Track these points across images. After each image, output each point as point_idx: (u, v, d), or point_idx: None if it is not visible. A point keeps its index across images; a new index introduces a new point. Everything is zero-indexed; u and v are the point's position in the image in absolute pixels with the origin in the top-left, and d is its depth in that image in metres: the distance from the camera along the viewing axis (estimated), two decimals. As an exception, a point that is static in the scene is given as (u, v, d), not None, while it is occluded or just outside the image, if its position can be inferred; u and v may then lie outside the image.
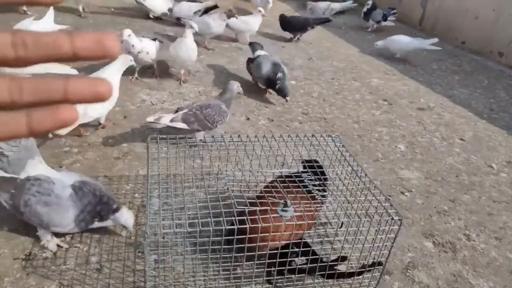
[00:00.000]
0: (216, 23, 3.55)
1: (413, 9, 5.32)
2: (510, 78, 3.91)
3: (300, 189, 1.39)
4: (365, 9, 4.93)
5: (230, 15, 3.57)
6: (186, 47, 2.82)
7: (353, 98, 3.11)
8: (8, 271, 1.38)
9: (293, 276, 1.31)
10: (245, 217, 1.15)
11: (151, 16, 4.32)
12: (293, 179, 1.42)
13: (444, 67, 4.04)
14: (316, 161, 1.53)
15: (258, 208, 1.19)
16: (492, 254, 1.72)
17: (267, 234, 1.16)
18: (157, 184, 1.30)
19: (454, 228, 1.85)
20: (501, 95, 3.50)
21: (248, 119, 2.59)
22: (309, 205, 1.29)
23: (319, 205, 1.36)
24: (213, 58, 3.40)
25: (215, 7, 3.97)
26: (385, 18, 4.81)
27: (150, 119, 2.03)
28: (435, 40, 3.88)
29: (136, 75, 2.88)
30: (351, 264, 1.42)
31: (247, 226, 1.13)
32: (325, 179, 1.49)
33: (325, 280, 1.31)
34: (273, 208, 1.26)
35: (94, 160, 2.01)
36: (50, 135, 2.08)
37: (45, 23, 2.93)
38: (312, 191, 1.41)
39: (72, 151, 2.06)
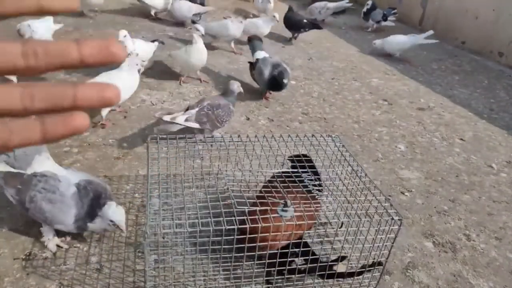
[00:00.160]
0: (234, 26, 3.49)
1: (413, 9, 5.32)
2: (510, 78, 3.91)
3: (300, 189, 1.39)
4: (364, 9, 4.93)
5: (245, 16, 3.57)
6: (198, 52, 2.79)
7: (353, 98, 3.11)
8: (8, 271, 1.38)
9: (292, 276, 1.31)
10: (245, 217, 1.15)
11: (152, 14, 4.33)
12: (289, 175, 1.41)
13: (444, 67, 4.04)
14: (305, 155, 1.52)
15: (258, 208, 1.19)
16: (492, 254, 1.72)
17: (268, 234, 1.16)
18: (157, 184, 1.30)
19: (454, 228, 1.85)
20: (501, 95, 3.50)
21: (248, 119, 2.59)
22: (309, 205, 1.29)
23: (318, 204, 1.36)
24: (213, 58, 3.40)
25: None
26: (385, 18, 4.81)
27: (167, 118, 2.08)
28: (430, 32, 3.88)
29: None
30: (351, 264, 1.42)
31: (247, 226, 1.13)
32: (317, 173, 1.48)
33: (325, 280, 1.31)
34: (273, 208, 1.26)
35: (94, 160, 2.01)
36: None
37: (45, 23, 2.93)
38: (311, 189, 1.41)
39: (72, 151, 2.06)
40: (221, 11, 5.01)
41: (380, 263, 1.29)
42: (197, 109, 2.17)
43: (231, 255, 1.19)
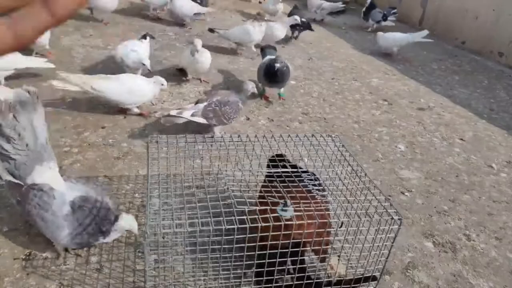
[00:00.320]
0: (256, 31, 3.46)
1: (413, 9, 5.33)
2: (510, 78, 3.91)
3: (307, 188, 1.38)
4: (364, 9, 4.94)
5: (262, 19, 3.51)
6: (202, 58, 2.80)
7: (353, 98, 3.11)
8: (8, 271, 1.38)
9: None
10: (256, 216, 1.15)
11: (151, 11, 4.33)
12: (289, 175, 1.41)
13: (444, 67, 4.04)
14: (280, 155, 1.50)
15: (257, 208, 1.19)
16: (492, 254, 1.72)
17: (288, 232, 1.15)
18: (157, 184, 1.30)
19: (454, 228, 1.85)
20: (501, 95, 3.50)
21: (248, 119, 2.59)
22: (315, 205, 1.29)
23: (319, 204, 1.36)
24: (213, 58, 3.40)
25: None
26: (385, 18, 4.81)
27: (173, 112, 2.12)
28: (425, 32, 3.90)
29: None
30: (351, 264, 1.42)
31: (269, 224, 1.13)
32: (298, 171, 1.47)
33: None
34: (277, 208, 1.26)
35: (94, 160, 2.01)
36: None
37: None
38: (311, 189, 1.41)
39: (72, 151, 2.06)
40: (221, 11, 5.01)
41: (374, 278, 1.29)
42: (205, 103, 2.20)
43: (231, 255, 1.19)
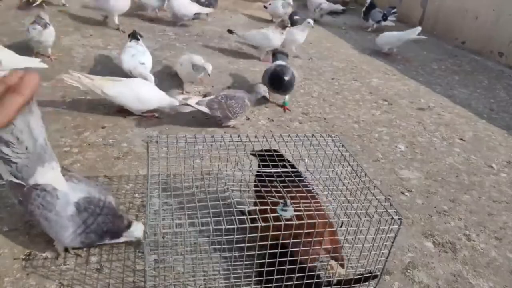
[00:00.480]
0: (275, 36, 3.41)
1: (413, 9, 5.33)
2: (510, 78, 3.91)
3: (305, 188, 1.38)
4: (364, 9, 4.94)
5: (284, 26, 3.40)
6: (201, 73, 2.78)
7: (353, 98, 3.11)
8: (8, 271, 1.38)
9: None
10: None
11: (150, 11, 4.33)
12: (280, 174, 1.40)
13: (444, 67, 4.04)
14: (275, 150, 1.49)
15: (257, 208, 1.18)
16: (492, 254, 1.72)
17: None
18: (157, 184, 1.30)
19: (454, 228, 1.85)
20: (501, 95, 3.50)
21: (248, 119, 2.59)
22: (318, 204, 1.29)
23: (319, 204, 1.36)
24: (214, 58, 3.40)
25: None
26: (385, 18, 4.81)
27: (180, 98, 2.21)
28: (419, 28, 3.94)
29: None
30: (351, 264, 1.42)
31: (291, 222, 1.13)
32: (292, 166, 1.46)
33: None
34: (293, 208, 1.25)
35: (94, 160, 2.01)
36: None
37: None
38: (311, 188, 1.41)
39: (72, 151, 2.06)
40: (221, 11, 5.01)
41: (375, 276, 1.29)
42: (212, 96, 2.27)
43: (231, 255, 1.19)
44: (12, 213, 1.61)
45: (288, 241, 1.16)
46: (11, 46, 3.14)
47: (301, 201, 1.23)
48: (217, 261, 1.47)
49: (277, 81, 2.63)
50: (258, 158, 1.49)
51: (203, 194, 1.26)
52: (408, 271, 1.58)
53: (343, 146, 1.52)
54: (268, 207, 1.20)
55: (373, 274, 1.28)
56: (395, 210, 1.22)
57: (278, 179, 1.33)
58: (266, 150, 1.49)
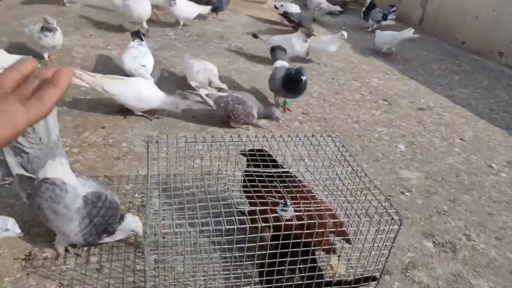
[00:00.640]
0: (299, 43, 3.35)
1: (413, 9, 5.32)
2: (510, 78, 3.91)
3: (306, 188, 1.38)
4: (364, 9, 4.94)
5: (309, 34, 3.35)
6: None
7: (353, 98, 3.11)
8: (8, 271, 1.38)
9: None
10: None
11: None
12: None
13: (444, 67, 4.04)
14: (260, 150, 1.49)
15: (257, 208, 1.18)
16: (492, 254, 1.72)
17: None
18: (157, 184, 1.30)
19: (454, 228, 1.85)
20: (501, 95, 3.50)
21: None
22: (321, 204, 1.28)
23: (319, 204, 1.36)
24: (214, 58, 3.40)
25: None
26: (385, 18, 4.80)
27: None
28: (411, 29, 3.96)
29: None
30: (351, 264, 1.42)
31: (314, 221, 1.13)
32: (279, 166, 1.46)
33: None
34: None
35: (94, 160, 2.01)
36: None
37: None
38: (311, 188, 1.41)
39: (72, 151, 2.06)
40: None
41: (374, 278, 1.29)
42: (225, 93, 2.28)
43: (231, 255, 1.19)
44: (12, 213, 1.61)
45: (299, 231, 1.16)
46: (11, 46, 3.15)
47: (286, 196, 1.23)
48: (217, 261, 1.47)
49: (294, 84, 2.55)
50: (249, 158, 1.49)
51: (203, 194, 1.26)
52: (408, 271, 1.58)
53: (343, 146, 1.52)
54: (266, 208, 1.20)
55: (373, 275, 1.28)
56: (395, 211, 1.22)
57: (267, 178, 1.32)
58: (257, 150, 1.49)
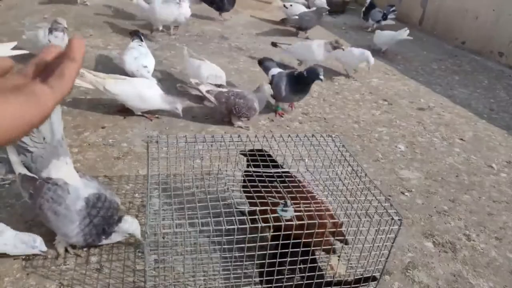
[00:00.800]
0: (319, 51, 3.18)
1: (413, 9, 5.32)
2: (510, 78, 3.91)
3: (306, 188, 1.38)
4: (363, 9, 4.94)
5: (336, 46, 3.15)
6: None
7: (353, 98, 3.11)
8: (8, 271, 1.38)
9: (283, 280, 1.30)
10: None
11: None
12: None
13: (444, 67, 4.04)
14: (260, 150, 1.49)
15: (257, 208, 1.18)
16: (492, 254, 1.72)
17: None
18: (157, 184, 1.30)
19: (454, 228, 1.85)
20: (501, 95, 3.50)
21: (248, 119, 2.59)
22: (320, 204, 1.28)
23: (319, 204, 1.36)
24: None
25: None
26: (385, 17, 4.80)
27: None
28: (406, 30, 3.94)
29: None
30: (351, 264, 1.42)
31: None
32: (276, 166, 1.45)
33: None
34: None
35: (94, 160, 2.01)
36: None
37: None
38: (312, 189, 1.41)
39: (72, 151, 2.06)
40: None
41: (374, 278, 1.29)
42: (225, 89, 2.30)
43: (231, 255, 1.19)
44: (12, 213, 1.61)
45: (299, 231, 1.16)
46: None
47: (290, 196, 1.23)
48: (217, 261, 1.47)
49: (305, 85, 2.50)
50: (249, 158, 1.49)
51: (203, 194, 1.26)
52: (408, 271, 1.58)
53: (343, 146, 1.52)
54: (266, 208, 1.20)
55: (373, 275, 1.28)
56: (395, 211, 1.22)
57: (267, 178, 1.32)
58: (257, 150, 1.49)
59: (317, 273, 1.26)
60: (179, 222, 1.43)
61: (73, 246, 1.47)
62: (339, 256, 1.46)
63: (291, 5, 4.61)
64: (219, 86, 2.37)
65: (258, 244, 1.15)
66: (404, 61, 4.05)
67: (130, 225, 1.42)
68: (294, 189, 1.31)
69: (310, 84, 2.52)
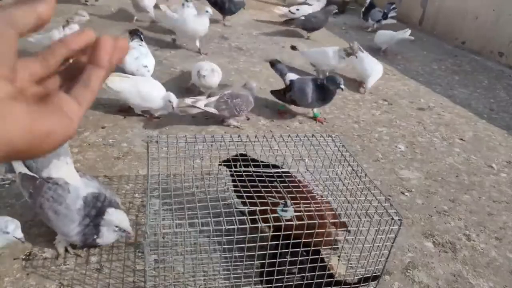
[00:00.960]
0: (335, 57, 3.10)
1: (413, 9, 5.32)
2: (510, 78, 3.91)
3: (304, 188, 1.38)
4: (363, 9, 4.94)
5: (350, 53, 3.05)
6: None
7: (353, 98, 3.11)
8: (8, 271, 1.38)
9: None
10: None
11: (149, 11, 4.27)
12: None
13: (444, 67, 4.04)
14: (243, 155, 1.48)
15: (258, 208, 1.18)
16: (492, 254, 1.72)
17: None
18: (157, 184, 1.30)
19: (454, 228, 1.85)
20: (501, 95, 3.50)
21: (248, 119, 2.59)
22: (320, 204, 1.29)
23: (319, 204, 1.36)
24: (213, 58, 3.40)
25: None
26: (385, 16, 4.80)
27: (188, 101, 2.26)
28: (408, 30, 3.95)
29: None
30: (351, 264, 1.42)
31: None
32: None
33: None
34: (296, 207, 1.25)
35: (94, 160, 2.01)
36: None
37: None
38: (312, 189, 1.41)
39: (72, 151, 2.06)
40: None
41: (375, 278, 1.29)
42: (217, 97, 2.33)
43: (231, 255, 1.19)
44: (12, 213, 1.61)
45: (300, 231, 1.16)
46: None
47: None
48: (217, 261, 1.47)
49: (329, 94, 2.49)
50: (232, 164, 1.46)
51: (203, 194, 1.26)
52: (408, 271, 1.58)
53: (343, 146, 1.52)
54: (266, 208, 1.20)
55: (373, 275, 1.28)
56: (395, 211, 1.22)
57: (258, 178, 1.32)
58: (240, 155, 1.48)
59: (318, 272, 1.26)
60: (179, 222, 1.43)
61: (73, 246, 1.47)
62: (339, 256, 1.46)
63: (297, 10, 4.54)
64: (209, 95, 2.38)
65: (258, 244, 1.15)
66: (404, 61, 4.05)
67: (115, 216, 1.35)
68: (285, 188, 1.31)
69: (333, 92, 2.48)
